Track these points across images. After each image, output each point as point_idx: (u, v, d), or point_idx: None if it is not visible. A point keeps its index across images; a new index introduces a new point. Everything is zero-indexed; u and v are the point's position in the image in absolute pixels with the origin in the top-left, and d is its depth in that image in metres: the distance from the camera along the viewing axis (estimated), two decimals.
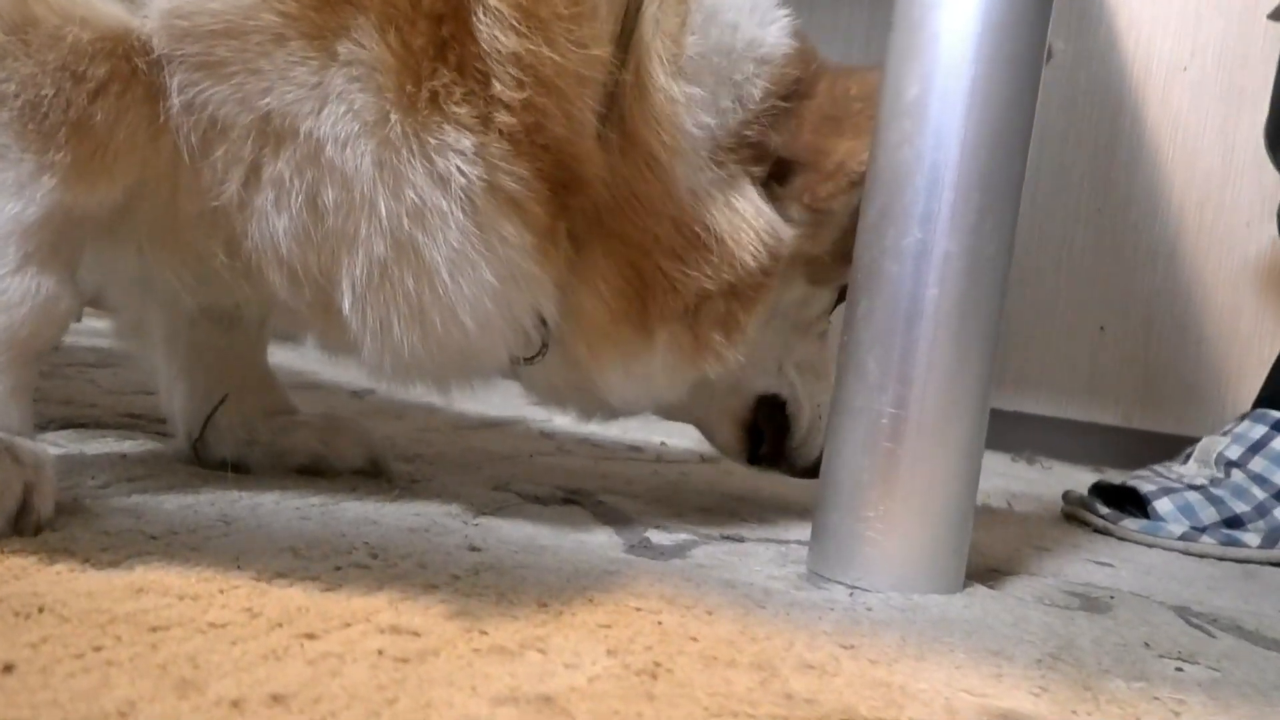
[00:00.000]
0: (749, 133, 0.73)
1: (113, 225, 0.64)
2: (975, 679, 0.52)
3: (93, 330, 1.60)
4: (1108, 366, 2.15)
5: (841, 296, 0.85)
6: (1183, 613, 0.75)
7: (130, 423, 0.94)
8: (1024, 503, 1.27)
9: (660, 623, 0.54)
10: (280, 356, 0.90)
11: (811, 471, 0.86)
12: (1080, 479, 1.76)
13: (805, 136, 0.75)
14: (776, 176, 0.76)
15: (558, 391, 0.80)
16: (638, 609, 0.56)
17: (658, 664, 0.48)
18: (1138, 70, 2.16)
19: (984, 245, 0.68)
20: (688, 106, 0.69)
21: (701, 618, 0.56)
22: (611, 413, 0.83)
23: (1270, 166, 1.84)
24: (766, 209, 0.74)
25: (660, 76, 0.68)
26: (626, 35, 0.67)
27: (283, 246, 0.62)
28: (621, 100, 0.67)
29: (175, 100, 0.58)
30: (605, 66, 0.66)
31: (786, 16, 0.76)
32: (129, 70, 0.57)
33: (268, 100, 0.58)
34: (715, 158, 0.71)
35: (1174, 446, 2.09)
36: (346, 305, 0.64)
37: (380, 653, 0.45)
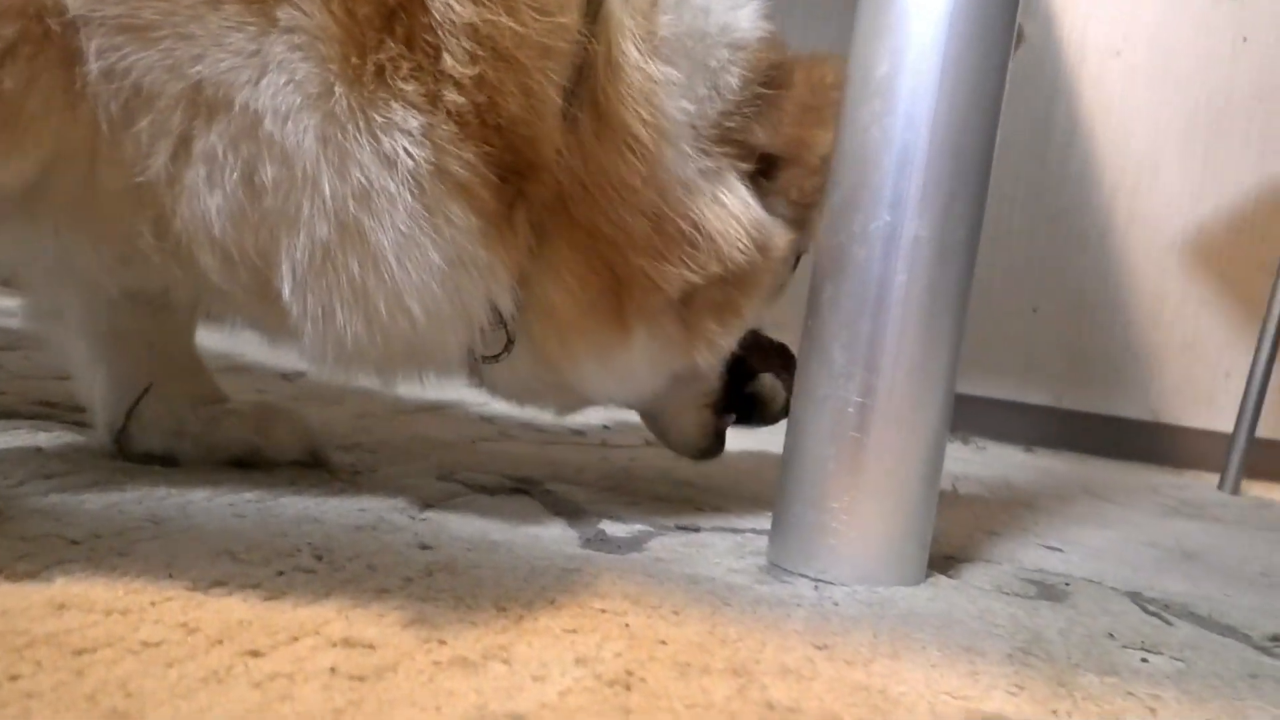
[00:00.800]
0: (731, 124, 0.70)
1: (26, 201, 0.59)
2: (953, 679, 0.50)
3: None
4: (1040, 347, 2.18)
5: (796, 260, 0.84)
6: (1137, 599, 0.75)
7: (45, 412, 0.88)
8: (967, 485, 1.28)
9: (627, 625, 0.52)
10: (202, 338, 0.84)
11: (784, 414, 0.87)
12: (1015, 459, 1.78)
13: (788, 129, 0.73)
14: (764, 172, 0.73)
15: (531, 390, 0.77)
16: (602, 610, 0.54)
17: (630, 673, 0.45)
18: (1072, 55, 2.18)
19: (954, 229, 0.66)
20: (668, 89, 0.65)
21: (669, 618, 0.54)
22: (587, 405, 0.81)
23: (1197, 153, 1.88)
24: (755, 204, 0.72)
25: (635, 54, 0.64)
26: (594, 9, 0.63)
27: (216, 226, 0.57)
28: (593, 77, 0.64)
29: (93, 66, 0.53)
30: (572, 36, 0.62)
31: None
32: (41, 32, 0.52)
33: (199, 68, 0.53)
34: (701, 147, 0.68)
35: (1102, 427, 2.14)
36: (286, 290, 0.60)
37: (333, 670, 0.41)
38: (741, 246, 0.70)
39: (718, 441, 0.88)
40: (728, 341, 0.75)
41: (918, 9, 0.65)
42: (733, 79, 0.70)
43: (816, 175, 0.73)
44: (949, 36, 0.64)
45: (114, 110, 0.54)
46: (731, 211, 0.70)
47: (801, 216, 0.76)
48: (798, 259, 0.83)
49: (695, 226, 0.68)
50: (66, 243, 0.63)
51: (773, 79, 0.72)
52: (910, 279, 0.65)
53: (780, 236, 0.75)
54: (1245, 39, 2.09)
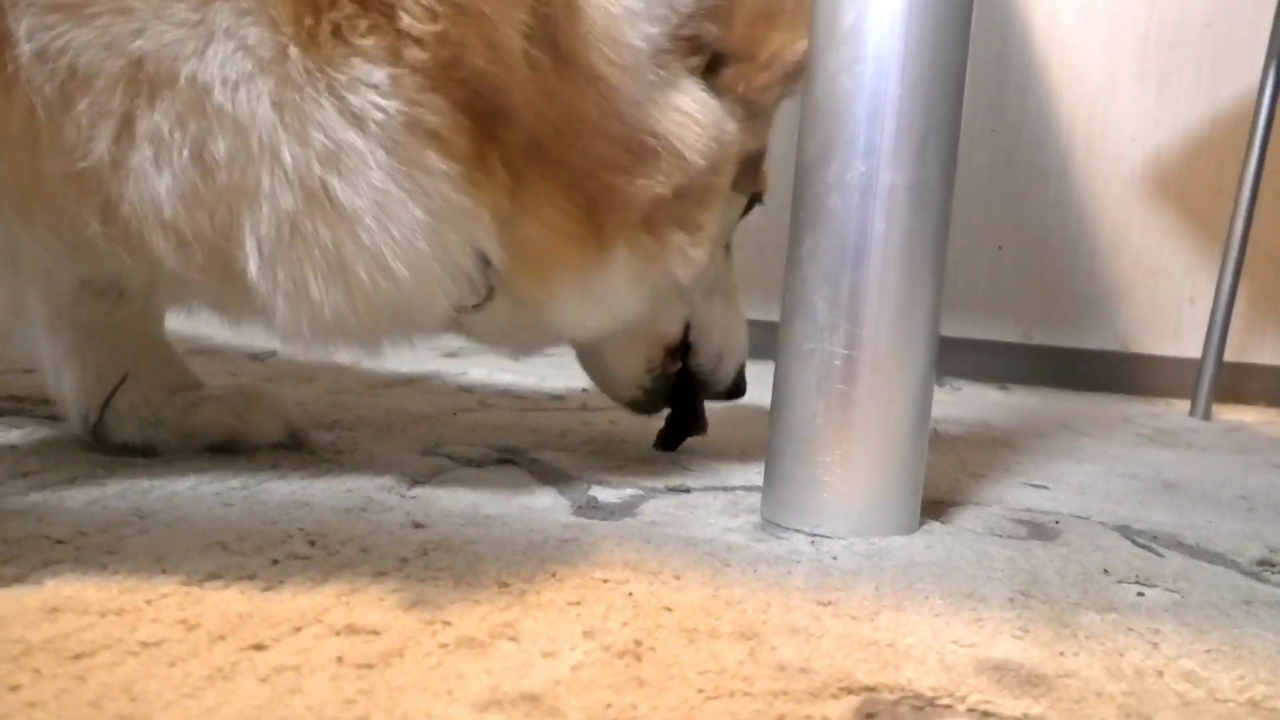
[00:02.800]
0: (684, 31, 0.68)
1: None
2: (959, 627, 0.51)
3: None
4: (1007, 285, 2.19)
5: (748, 206, 0.84)
6: (1125, 532, 0.75)
7: (13, 407, 0.86)
8: (947, 427, 1.28)
9: (631, 594, 0.51)
10: (168, 321, 0.82)
11: (733, 393, 0.89)
12: (990, 398, 1.80)
13: (739, 29, 0.72)
14: (713, 69, 0.72)
15: (506, 334, 0.76)
16: (604, 580, 0.53)
17: (639, 642, 0.45)
18: None
19: (929, 174, 0.65)
20: (629, 20, 0.63)
21: (670, 584, 0.54)
22: (556, 343, 0.81)
23: (1150, 81, 1.88)
24: (711, 101, 0.70)
25: None
26: None
27: (166, 209, 0.55)
28: (552, 20, 0.61)
29: (25, 48, 0.50)
30: None
31: None
32: None
33: (140, 43, 0.51)
34: (657, 63, 0.67)
35: (1073, 361, 2.16)
36: (253, 268, 0.58)
37: (340, 659, 0.40)
38: (700, 147, 0.69)
39: (660, 389, 0.86)
40: (698, 254, 0.75)
41: None
42: None
43: (765, 71, 0.73)
44: None
45: (49, 93, 0.52)
46: (687, 113, 0.69)
47: (749, 115, 0.76)
48: (748, 204, 0.83)
49: (655, 136, 0.67)
50: (13, 234, 0.60)
51: None
52: (889, 227, 0.65)
53: (732, 133, 0.74)
54: None
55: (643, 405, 0.88)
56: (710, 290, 0.84)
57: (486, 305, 0.69)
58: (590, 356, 0.87)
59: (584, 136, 0.64)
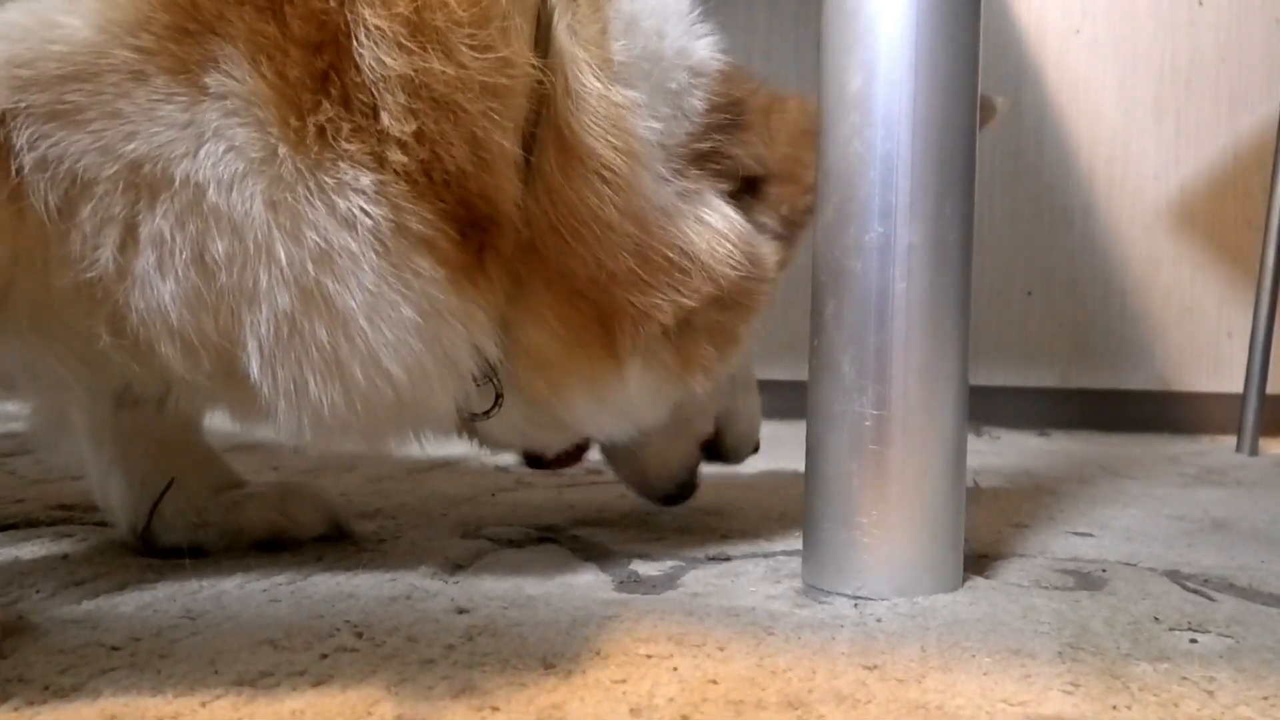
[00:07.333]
0: (703, 146, 0.69)
1: None
2: (1007, 685, 0.50)
3: (4, 414, 1.51)
4: (1039, 329, 2.18)
5: None
6: (1175, 577, 0.74)
7: (64, 515, 0.88)
8: (988, 478, 1.27)
9: (675, 669, 0.52)
10: (208, 419, 0.84)
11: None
12: (1030, 445, 1.78)
13: (782, 148, 0.73)
14: (751, 191, 0.73)
15: (526, 434, 0.75)
16: (648, 656, 0.53)
17: (685, 718, 0.45)
18: (1032, 36, 2.19)
19: (946, 232, 0.66)
20: (633, 110, 0.63)
21: (715, 656, 0.54)
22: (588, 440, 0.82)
23: (1169, 118, 1.88)
24: (739, 219, 0.70)
25: (594, 82, 0.62)
26: (545, 43, 0.61)
27: (173, 315, 0.55)
28: (554, 113, 0.61)
29: (26, 158, 0.51)
30: (521, 70, 0.59)
31: (711, 34, 0.72)
32: None
33: (134, 145, 0.52)
34: (675, 168, 0.67)
35: (1112, 402, 2.14)
36: (255, 368, 0.57)
37: None
38: (734, 263, 0.69)
39: (692, 480, 0.90)
40: (724, 367, 0.74)
41: (884, 17, 0.65)
42: (697, 101, 0.69)
43: (810, 194, 0.73)
44: (917, 41, 0.65)
45: (54, 202, 0.52)
46: (718, 230, 0.68)
47: (790, 234, 0.76)
48: None
49: (682, 252, 0.67)
50: (31, 348, 0.61)
51: (745, 104, 0.72)
52: (909, 286, 0.66)
53: (770, 253, 0.74)
54: (1201, 2, 2.10)
55: (675, 498, 0.91)
56: (734, 382, 0.85)
57: (496, 411, 0.69)
58: (624, 461, 0.89)
59: (592, 245, 0.63)
